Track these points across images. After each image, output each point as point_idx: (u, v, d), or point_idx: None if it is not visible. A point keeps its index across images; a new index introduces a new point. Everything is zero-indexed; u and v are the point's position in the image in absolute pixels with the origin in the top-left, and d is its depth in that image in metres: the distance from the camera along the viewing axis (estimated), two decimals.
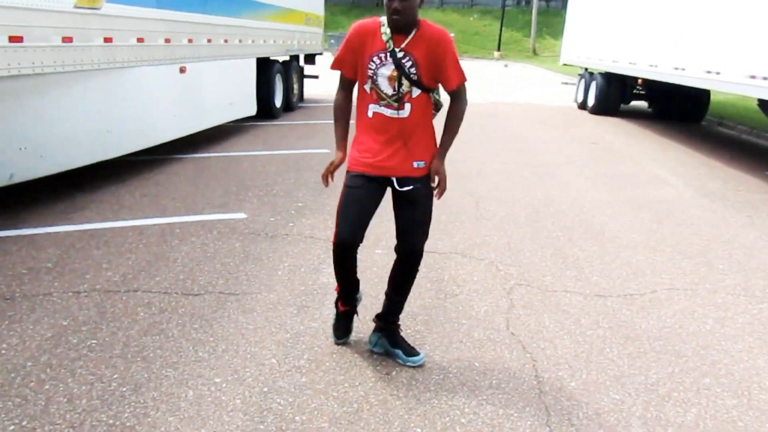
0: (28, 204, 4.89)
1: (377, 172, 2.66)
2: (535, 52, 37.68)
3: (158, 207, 5.04)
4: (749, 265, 4.38)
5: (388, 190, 2.75)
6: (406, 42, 2.56)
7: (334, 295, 3.06)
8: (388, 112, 2.62)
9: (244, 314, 3.26)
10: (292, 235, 4.52)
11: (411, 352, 2.87)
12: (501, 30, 38.39)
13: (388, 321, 2.91)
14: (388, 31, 2.57)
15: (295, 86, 11.41)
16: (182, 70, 6.65)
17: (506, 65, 32.26)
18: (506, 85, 20.19)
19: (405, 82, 2.57)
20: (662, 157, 8.52)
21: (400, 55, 2.56)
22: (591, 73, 13.90)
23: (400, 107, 2.61)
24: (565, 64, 16.82)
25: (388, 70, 2.57)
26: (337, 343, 3.01)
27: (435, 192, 2.74)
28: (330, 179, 2.76)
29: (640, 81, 12.20)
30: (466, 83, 2.71)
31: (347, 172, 2.74)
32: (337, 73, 2.77)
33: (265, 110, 9.66)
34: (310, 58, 12.43)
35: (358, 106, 2.75)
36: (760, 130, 11.36)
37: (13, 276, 3.58)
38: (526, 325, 3.29)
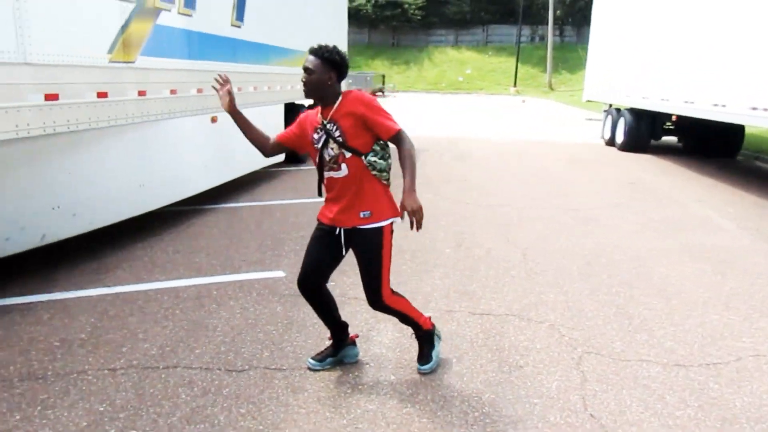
0: (59, 265, 4.70)
1: (330, 222, 3.01)
2: (551, 87, 37.69)
3: (192, 265, 4.82)
4: None
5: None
6: (331, 113, 2.91)
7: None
8: (333, 174, 2.95)
9: (294, 394, 2.97)
10: (335, 297, 4.24)
11: (420, 360, 3.25)
12: (517, 66, 38.61)
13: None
14: (319, 109, 2.99)
15: None
16: (213, 120, 6.52)
17: (524, 101, 32.24)
18: (527, 121, 20.03)
19: (334, 145, 2.89)
20: (707, 197, 8.17)
21: (328, 125, 2.90)
22: (618, 109, 13.66)
23: (338, 168, 2.91)
24: (588, 101, 16.63)
25: (322, 139, 2.93)
26: (309, 367, 3.23)
27: (412, 226, 2.87)
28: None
29: (674, 117, 11.91)
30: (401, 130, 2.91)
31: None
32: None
33: (292, 155, 9.52)
34: None
35: None
36: None
37: (46, 350, 3.35)
38: (606, 405, 2.96)
